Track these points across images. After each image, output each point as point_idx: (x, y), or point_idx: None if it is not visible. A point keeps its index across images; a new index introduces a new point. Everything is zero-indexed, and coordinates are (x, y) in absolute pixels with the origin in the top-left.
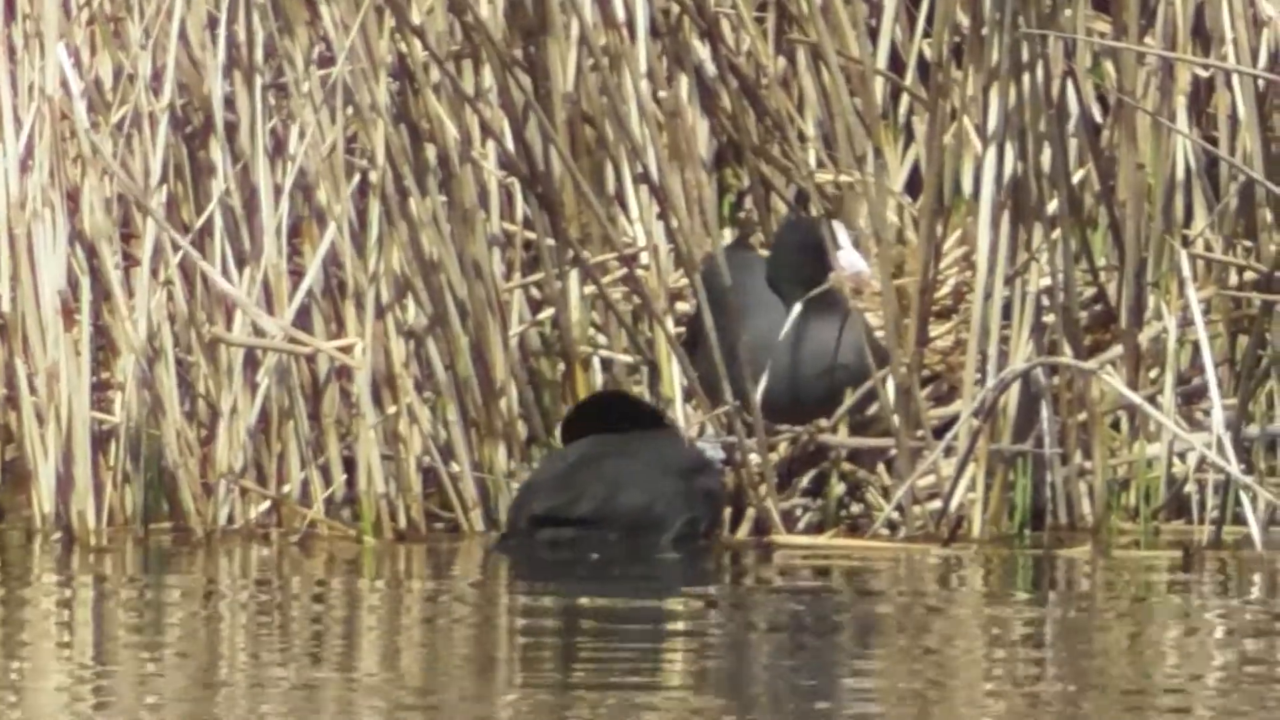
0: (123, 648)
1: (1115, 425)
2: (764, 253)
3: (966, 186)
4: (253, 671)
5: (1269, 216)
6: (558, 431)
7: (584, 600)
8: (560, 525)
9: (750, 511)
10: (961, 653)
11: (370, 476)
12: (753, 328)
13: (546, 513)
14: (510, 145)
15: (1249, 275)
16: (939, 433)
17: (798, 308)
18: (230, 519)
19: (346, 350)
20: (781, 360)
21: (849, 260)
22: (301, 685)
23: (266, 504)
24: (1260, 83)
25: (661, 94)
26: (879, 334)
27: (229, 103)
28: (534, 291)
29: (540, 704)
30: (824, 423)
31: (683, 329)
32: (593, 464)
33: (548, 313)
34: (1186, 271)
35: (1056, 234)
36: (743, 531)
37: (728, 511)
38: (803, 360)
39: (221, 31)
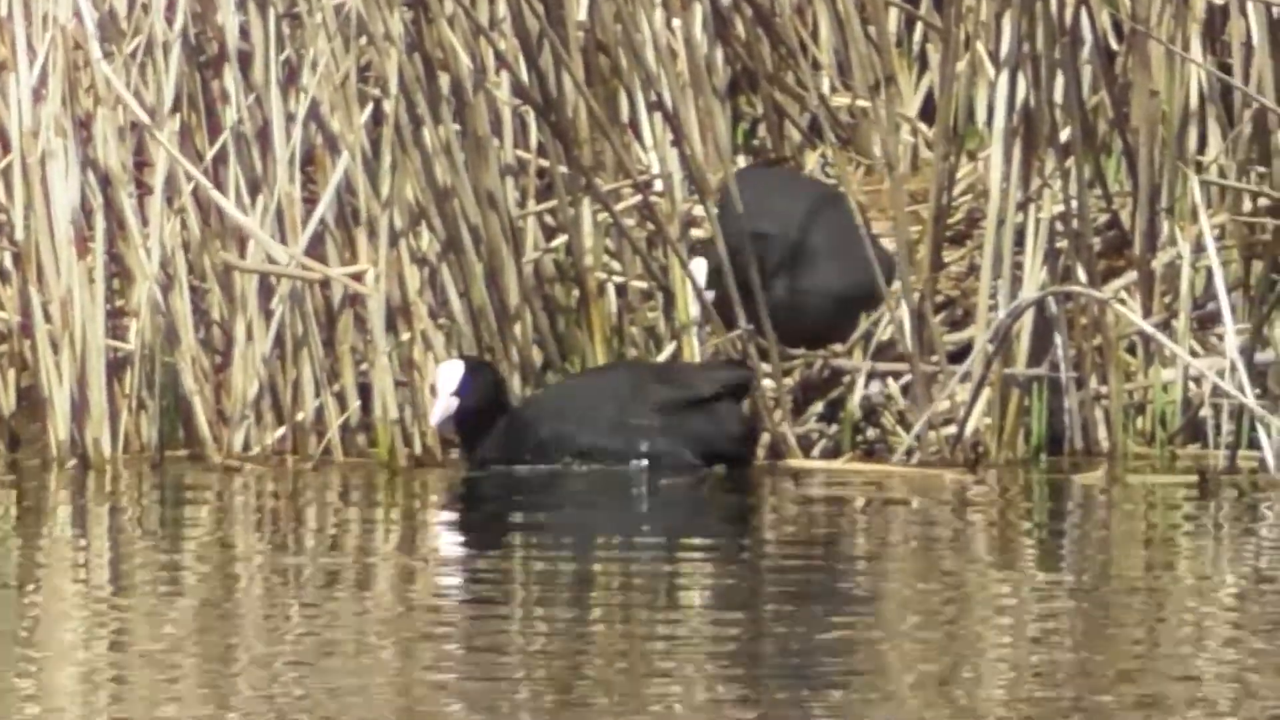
0: (139, 568)
1: (1131, 350)
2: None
3: (980, 114)
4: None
5: None
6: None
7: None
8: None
9: (765, 437)
10: (976, 575)
11: (385, 403)
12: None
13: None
14: (524, 74)
15: (1262, 201)
16: (954, 358)
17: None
18: (246, 446)
19: (358, 277)
20: (792, 288)
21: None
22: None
23: (282, 431)
24: (1274, 10)
25: (675, 22)
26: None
27: (242, 32)
28: (548, 219)
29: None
30: (839, 348)
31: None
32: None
33: (561, 240)
34: (1200, 198)
35: (1070, 161)
36: (758, 456)
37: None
38: (815, 287)
39: None
